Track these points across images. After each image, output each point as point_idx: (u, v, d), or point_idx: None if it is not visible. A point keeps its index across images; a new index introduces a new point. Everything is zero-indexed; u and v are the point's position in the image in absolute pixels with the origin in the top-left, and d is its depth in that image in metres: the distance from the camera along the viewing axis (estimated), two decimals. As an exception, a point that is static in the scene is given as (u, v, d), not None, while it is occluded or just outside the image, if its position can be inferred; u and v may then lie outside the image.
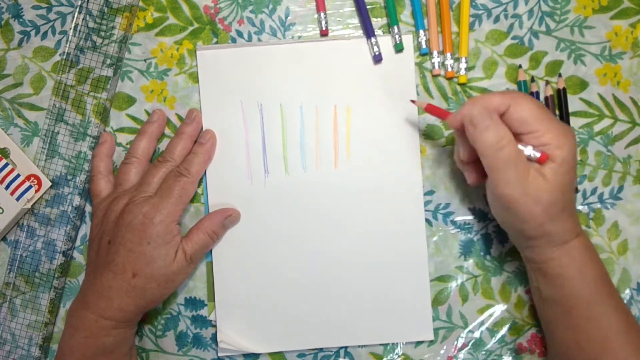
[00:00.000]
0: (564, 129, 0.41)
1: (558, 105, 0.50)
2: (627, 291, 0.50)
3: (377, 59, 0.50)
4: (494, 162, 0.40)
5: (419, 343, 0.51)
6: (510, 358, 0.50)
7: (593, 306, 0.42)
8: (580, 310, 0.42)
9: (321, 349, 0.51)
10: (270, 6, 0.51)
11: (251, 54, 0.50)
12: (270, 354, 0.51)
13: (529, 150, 0.41)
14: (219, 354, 0.51)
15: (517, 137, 0.41)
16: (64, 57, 0.51)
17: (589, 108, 0.51)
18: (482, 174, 0.43)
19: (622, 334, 0.42)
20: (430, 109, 0.46)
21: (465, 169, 0.45)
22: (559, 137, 0.40)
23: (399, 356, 0.51)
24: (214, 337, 0.51)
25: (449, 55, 0.50)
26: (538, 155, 0.41)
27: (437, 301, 0.51)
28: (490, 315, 0.50)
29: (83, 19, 0.51)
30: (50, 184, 0.50)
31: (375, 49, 0.49)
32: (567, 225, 0.42)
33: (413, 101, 0.48)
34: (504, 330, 0.50)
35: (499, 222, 0.45)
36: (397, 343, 0.51)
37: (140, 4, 0.51)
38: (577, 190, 0.50)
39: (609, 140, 0.50)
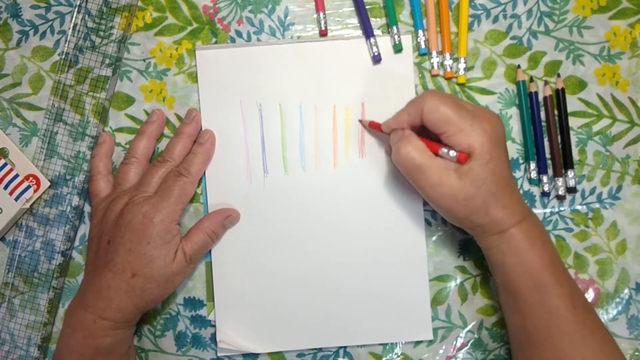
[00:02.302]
0: (476, 126, 0.42)
1: (557, 105, 0.50)
2: (626, 291, 0.50)
3: (376, 59, 0.50)
4: (407, 171, 0.44)
5: (418, 343, 0.51)
6: (509, 358, 0.50)
7: (534, 293, 0.42)
8: (523, 296, 0.43)
9: (320, 349, 0.51)
10: (270, 6, 0.51)
11: (250, 53, 0.50)
12: (270, 354, 0.51)
13: (445, 154, 0.42)
14: (218, 354, 0.51)
15: (438, 137, 0.43)
16: (63, 56, 0.51)
17: (588, 108, 0.51)
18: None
19: (565, 321, 0.42)
20: (372, 126, 0.49)
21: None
22: (470, 135, 0.41)
23: (398, 356, 0.51)
24: (213, 337, 0.51)
25: (448, 55, 0.50)
26: (455, 156, 0.42)
27: (436, 301, 0.51)
28: (489, 315, 0.51)
29: (82, 19, 0.51)
30: (49, 184, 0.50)
31: (375, 49, 0.49)
32: (499, 215, 0.42)
33: (360, 121, 0.50)
34: (503, 330, 0.50)
35: None
36: (396, 343, 0.51)
37: (139, 3, 0.51)
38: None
39: (608, 140, 0.51)
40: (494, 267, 0.44)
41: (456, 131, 0.42)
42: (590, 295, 0.50)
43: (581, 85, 0.51)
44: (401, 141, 0.44)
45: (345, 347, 0.51)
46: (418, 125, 0.44)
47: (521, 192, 0.50)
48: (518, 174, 0.51)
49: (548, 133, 0.50)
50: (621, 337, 0.50)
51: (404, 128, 0.45)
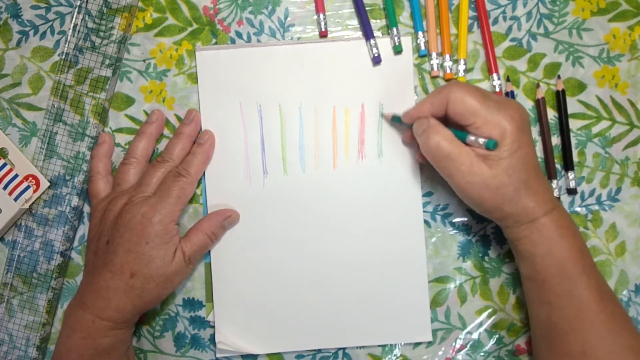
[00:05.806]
0: (503, 115, 0.42)
1: (557, 107, 0.50)
2: (625, 292, 0.50)
3: (376, 60, 0.50)
4: (436, 161, 0.44)
5: (417, 344, 0.51)
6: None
7: (563, 283, 0.42)
8: (550, 286, 0.43)
9: (319, 350, 0.51)
10: (270, 7, 0.51)
11: (250, 54, 0.50)
12: (269, 355, 0.51)
13: (473, 141, 0.42)
14: (217, 355, 0.51)
15: (464, 128, 0.43)
16: (63, 57, 0.51)
17: (587, 110, 0.51)
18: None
19: (593, 312, 0.42)
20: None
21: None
22: (499, 125, 0.42)
23: (397, 357, 0.51)
24: (212, 338, 0.51)
25: (447, 56, 0.50)
26: (484, 142, 0.42)
27: (435, 302, 0.51)
28: (489, 317, 0.51)
29: (82, 19, 0.51)
30: (48, 184, 0.50)
31: (374, 50, 0.49)
32: (530, 204, 0.42)
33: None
34: (502, 331, 0.50)
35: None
36: (395, 344, 0.51)
37: (140, 4, 0.51)
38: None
39: (607, 142, 0.51)
40: (522, 257, 0.44)
41: (483, 122, 0.42)
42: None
43: (580, 87, 0.51)
44: (428, 131, 0.43)
45: (344, 349, 0.51)
46: (440, 116, 0.44)
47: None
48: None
49: (542, 135, 0.50)
50: (620, 339, 0.50)
51: (427, 118, 0.45)
